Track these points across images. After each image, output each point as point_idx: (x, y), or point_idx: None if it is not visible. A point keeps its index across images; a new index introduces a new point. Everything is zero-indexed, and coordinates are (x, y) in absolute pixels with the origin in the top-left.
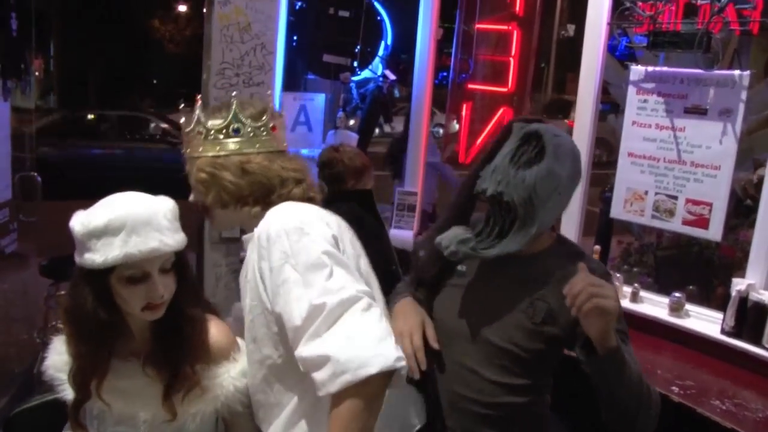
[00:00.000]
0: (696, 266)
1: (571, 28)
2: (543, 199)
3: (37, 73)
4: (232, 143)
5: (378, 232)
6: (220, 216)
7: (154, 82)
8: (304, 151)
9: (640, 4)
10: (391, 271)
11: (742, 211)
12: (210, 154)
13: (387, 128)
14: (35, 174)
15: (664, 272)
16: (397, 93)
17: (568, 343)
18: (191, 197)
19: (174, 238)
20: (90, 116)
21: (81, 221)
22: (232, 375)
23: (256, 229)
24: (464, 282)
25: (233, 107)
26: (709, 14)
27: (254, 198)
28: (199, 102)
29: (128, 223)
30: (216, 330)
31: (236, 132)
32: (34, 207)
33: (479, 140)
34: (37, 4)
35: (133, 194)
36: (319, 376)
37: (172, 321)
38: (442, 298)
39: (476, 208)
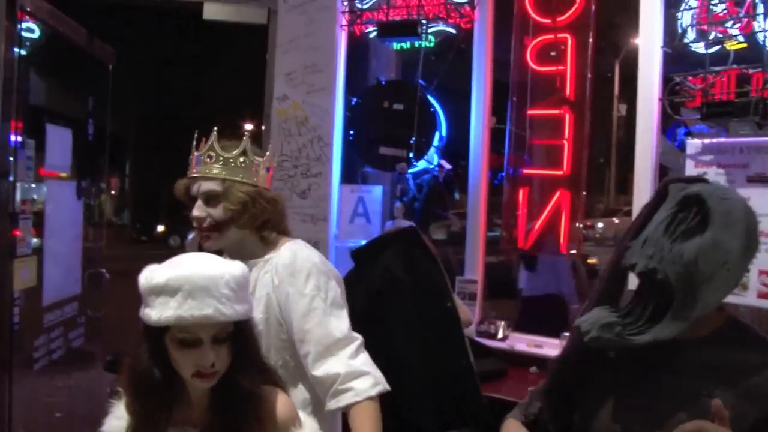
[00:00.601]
0: None
1: (623, 108)
2: (707, 276)
3: (113, 192)
4: (264, 178)
5: (430, 268)
6: (232, 234)
7: None
8: (363, 242)
9: (690, 78)
10: (446, 308)
11: None
12: (253, 182)
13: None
14: (104, 270)
15: None
16: (456, 195)
17: None
18: (201, 212)
19: (233, 308)
20: None
21: (146, 275)
22: None
23: (276, 258)
24: (614, 375)
25: (273, 154)
26: (762, 81)
27: (272, 224)
28: (247, 134)
29: (186, 286)
30: (279, 404)
31: (267, 170)
32: (101, 302)
33: (537, 225)
34: (114, 128)
35: (204, 256)
36: (362, 384)
37: (230, 394)
38: (587, 397)
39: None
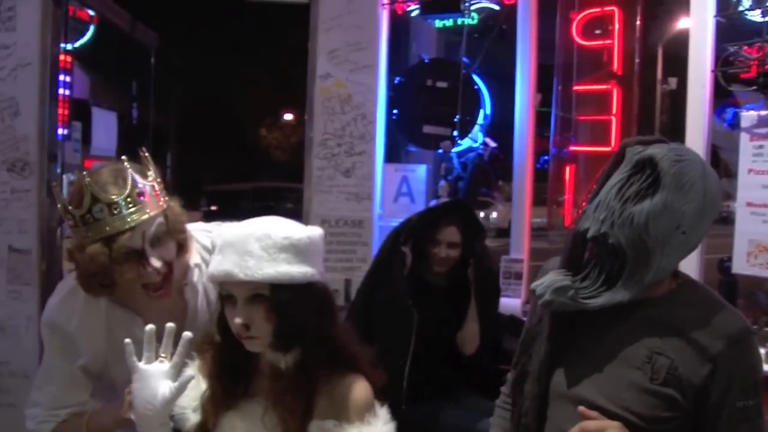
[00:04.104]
0: None
1: (673, 81)
2: (660, 241)
3: None
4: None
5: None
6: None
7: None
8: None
9: (745, 48)
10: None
11: None
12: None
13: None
14: None
15: None
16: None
17: (693, 418)
18: (158, 258)
19: (260, 268)
20: None
21: None
22: None
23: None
24: (570, 338)
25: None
26: None
27: None
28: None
29: (219, 242)
30: (357, 388)
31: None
32: None
33: (585, 203)
34: (156, 119)
35: (265, 219)
36: None
37: (280, 366)
38: (543, 362)
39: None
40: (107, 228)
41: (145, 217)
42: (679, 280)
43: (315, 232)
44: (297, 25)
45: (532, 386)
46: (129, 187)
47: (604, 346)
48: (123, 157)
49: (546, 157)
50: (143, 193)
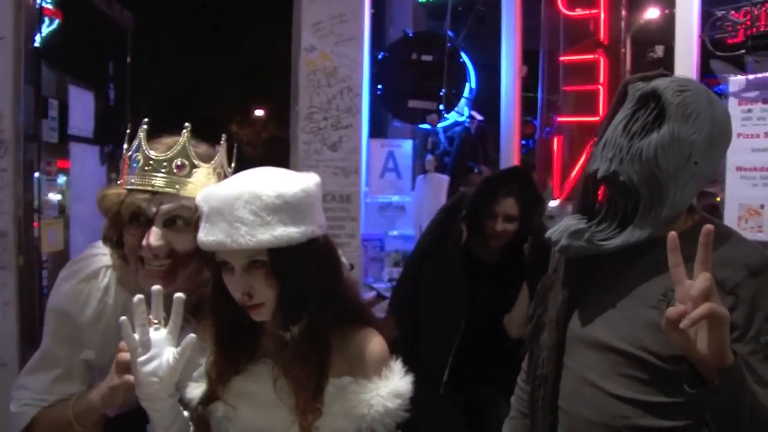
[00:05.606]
0: None
1: (659, 49)
2: (671, 173)
3: None
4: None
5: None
6: (189, 270)
7: None
8: (395, 198)
9: (732, 13)
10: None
11: None
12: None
13: None
14: None
15: None
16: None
17: None
18: (159, 240)
19: (254, 234)
20: None
21: None
22: (381, 394)
23: None
24: (586, 282)
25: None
26: None
27: None
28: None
29: (206, 209)
30: (372, 343)
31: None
32: None
33: (573, 174)
34: (132, 104)
35: (255, 172)
36: None
37: (287, 326)
38: (558, 309)
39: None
40: (132, 180)
41: (169, 189)
42: (696, 217)
43: (310, 181)
44: (269, 18)
45: (549, 335)
46: (171, 154)
47: (619, 287)
48: (223, 135)
49: (525, 141)
50: (183, 166)
